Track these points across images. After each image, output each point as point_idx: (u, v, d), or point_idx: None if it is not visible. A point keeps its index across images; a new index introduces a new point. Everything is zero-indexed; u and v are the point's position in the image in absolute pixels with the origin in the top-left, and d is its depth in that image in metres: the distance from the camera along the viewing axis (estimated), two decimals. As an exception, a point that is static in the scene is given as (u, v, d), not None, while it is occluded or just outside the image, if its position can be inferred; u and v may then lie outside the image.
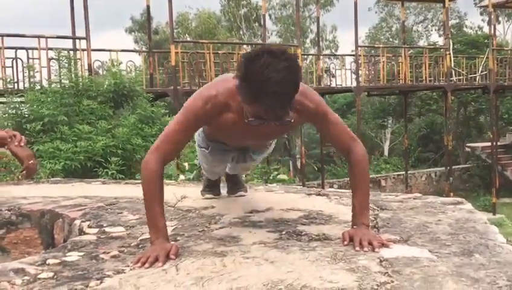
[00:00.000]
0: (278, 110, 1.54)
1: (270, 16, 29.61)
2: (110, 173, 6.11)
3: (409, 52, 14.70)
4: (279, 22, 30.33)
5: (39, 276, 1.47)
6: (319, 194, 2.77)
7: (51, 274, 1.48)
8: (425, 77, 13.10)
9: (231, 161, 2.44)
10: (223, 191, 2.80)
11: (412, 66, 13.11)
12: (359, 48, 11.77)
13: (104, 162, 6.28)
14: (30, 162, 2.09)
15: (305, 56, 21.24)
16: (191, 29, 29.81)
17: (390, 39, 30.40)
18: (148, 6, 11.26)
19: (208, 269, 1.47)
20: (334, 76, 16.02)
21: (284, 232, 1.85)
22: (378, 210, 2.23)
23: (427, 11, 30.19)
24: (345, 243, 1.65)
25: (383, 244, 1.60)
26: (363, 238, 1.62)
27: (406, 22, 23.23)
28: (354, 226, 1.74)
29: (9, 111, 6.69)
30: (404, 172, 15.56)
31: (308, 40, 29.34)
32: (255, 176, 5.86)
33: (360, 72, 11.75)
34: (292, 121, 1.63)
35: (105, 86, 7.50)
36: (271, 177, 5.87)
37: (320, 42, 28.37)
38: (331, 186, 14.14)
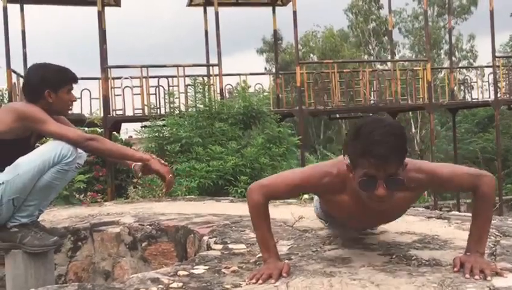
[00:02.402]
0: (385, 161, 1.57)
1: (400, 29, 28.77)
2: (239, 190, 6.48)
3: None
4: (410, 35, 29.28)
5: (171, 285, 1.70)
6: (440, 218, 2.71)
7: (180, 284, 1.71)
8: None
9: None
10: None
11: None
12: (497, 59, 10.92)
13: (233, 180, 6.67)
14: (170, 176, 2.42)
15: (438, 70, 20.21)
16: (316, 48, 30.14)
17: (539, 44, 27.51)
18: (275, 31, 11.76)
19: (316, 287, 1.57)
20: (471, 89, 15.03)
21: (394, 256, 1.88)
22: (500, 236, 2.13)
23: None
24: (455, 269, 1.64)
25: (496, 273, 1.56)
26: (474, 266, 1.59)
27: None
28: (468, 253, 1.71)
29: (153, 134, 7.46)
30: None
31: (442, 52, 27.85)
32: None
33: (498, 84, 10.87)
34: (403, 179, 1.63)
35: (235, 108, 7.97)
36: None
37: (456, 53, 26.81)
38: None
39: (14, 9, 9.56)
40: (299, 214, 2.93)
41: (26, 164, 2.22)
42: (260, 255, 2.04)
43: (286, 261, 1.87)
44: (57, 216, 3.56)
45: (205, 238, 2.58)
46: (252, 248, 2.22)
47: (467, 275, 1.57)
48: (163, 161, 2.49)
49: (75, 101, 2.56)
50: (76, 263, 3.17)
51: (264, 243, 1.82)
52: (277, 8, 11.34)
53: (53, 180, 2.26)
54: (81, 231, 3.20)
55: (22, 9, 9.82)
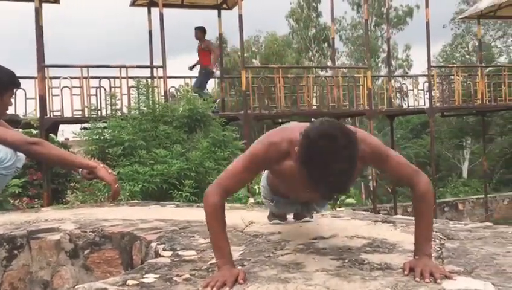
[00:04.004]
0: (335, 193, 1.66)
1: (340, 36, 29.60)
2: (184, 195, 6.37)
3: (486, 70, 14.09)
4: (349, 43, 30.19)
5: (120, 296, 1.63)
6: (385, 221, 2.78)
7: (130, 294, 1.64)
8: (505, 96, 12.47)
9: (295, 211, 2.55)
10: (289, 216, 2.88)
11: (490, 85, 12.54)
12: (432, 68, 11.47)
13: (178, 184, 6.56)
14: (116, 186, 2.35)
15: (376, 77, 20.96)
16: (259, 53, 30.41)
17: (467, 56, 29.22)
18: (220, 34, 11.71)
19: (272, 294, 1.55)
20: (406, 96, 15.68)
21: (346, 260, 1.90)
22: (444, 240, 2.21)
23: (507, 26, 28.76)
24: (406, 273, 1.67)
25: (446, 276, 1.61)
26: (424, 269, 1.63)
27: (484, 37, 22.31)
28: (416, 257, 1.75)
29: (94, 136, 7.19)
30: (483, 195, 14.77)
31: (380, 60, 28.92)
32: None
33: (433, 92, 11.42)
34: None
35: (180, 111, 7.86)
36: (339, 202, 5.85)
37: (392, 61, 27.92)
38: (405, 210, 13.70)
39: None
40: (249, 219, 2.91)
41: None
42: (212, 261, 2.00)
43: (240, 267, 1.84)
44: (-11, 223, 3.34)
45: (153, 245, 2.51)
46: (203, 255, 2.18)
47: (417, 279, 1.60)
48: (110, 170, 2.42)
49: (11, 104, 2.47)
50: (12, 272, 2.98)
51: (219, 248, 1.78)
52: (222, 11, 11.32)
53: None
54: (17, 239, 3.01)
55: (-50, 2, 9.22)
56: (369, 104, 10.41)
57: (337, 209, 4.25)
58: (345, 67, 19.81)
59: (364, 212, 3.44)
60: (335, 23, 14.81)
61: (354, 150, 1.60)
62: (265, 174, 2.40)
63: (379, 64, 28.87)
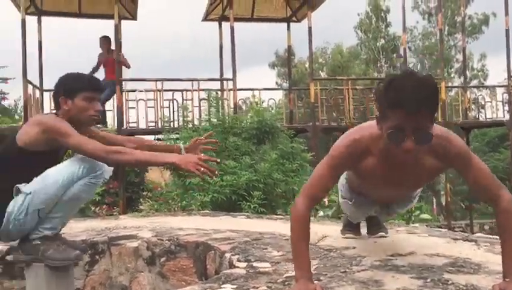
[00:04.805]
0: (415, 112, 1.56)
1: (409, 47, 28.85)
2: (252, 206, 6.43)
3: None
4: (419, 53, 29.34)
5: (199, 304, 1.66)
6: (467, 240, 2.65)
7: (209, 304, 1.66)
8: None
9: (374, 211, 2.49)
10: (363, 230, 2.82)
11: None
12: (512, 78, 10.85)
13: (247, 195, 6.63)
14: (201, 169, 2.19)
15: (449, 88, 20.15)
16: (326, 64, 30.27)
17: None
18: (289, 47, 11.78)
19: (352, 311, 1.52)
20: (483, 108, 14.92)
21: (428, 280, 1.83)
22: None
23: None
24: (496, 296, 1.58)
25: (540, 301, 1.50)
26: (516, 293, 1.54)
27: None
28: (506, 279, 1.65)
29: (166, 147, 7.44)
30: None
31: (453, 70, 27.84)
32: (395, 215, 5.70)
33: (513, 103, 10.79)
34: (433, 134, 1.63)
35: (248, 122, 7.96)
36: (413, 218, 5.64)
37: (467, 72, 26.79)
38: (481, 228, 13.00)
39: (32, 21, 9.70)
40: (321, 233, 2.88)
41: (54, 175, 2.20)
42: (288, 275, 2.00)
43: (316, 281, 1.82)
44: (73, 228, 3.53)
45: (227, 255, 2.54)
46: (278, 267, 2.18)
47: (509, 303, 1.51)
48: (193, 157, 2.23)
49: (98, 110, 2.42)
50: (94, 277, 3.13)
51: (300, 260, 1.76)
52: (291, 24, 11.38)
53: (80, 193, 2.23)
54: (99, 245, 3.17)
55: (39, 22, 9.93)
56: (443, 116, 10.03)
57: (411, 225, 4.11)
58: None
59: (441, 229, 3.30)
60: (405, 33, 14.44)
61: (433, 81, 1.64)
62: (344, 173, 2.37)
63: (452, 75, 27.81)
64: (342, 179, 2.39)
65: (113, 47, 8.73)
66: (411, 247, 2.43)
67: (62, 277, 2.34)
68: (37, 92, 9.21)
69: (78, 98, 2.32)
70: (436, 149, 1.75)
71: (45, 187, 2.18)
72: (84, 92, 2.34)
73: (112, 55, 8.62)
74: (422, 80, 1.59)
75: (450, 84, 22.11)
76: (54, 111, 2.39)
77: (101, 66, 8.89)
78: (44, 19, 10.03)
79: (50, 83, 9.23)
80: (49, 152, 2.27)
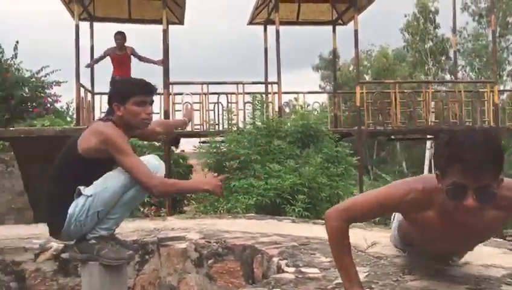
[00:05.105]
0: (476, 168, 1.46)
1: (459, 50, 27.99)
2: (297, 210, 6.40)
3: None
4: (468, 54, 28.42)
5: (251, 308, 1.67)
6: (525, 251, 2.54)
7: (260, 308, 1.67)
8: None
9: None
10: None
11: None
12: None
13: (291, 199, 6.60)
14: (219, 191, 2.49)
15: (502, 92, 19.43)
16: (371, 67, 29.82)
17: None
18: (334, 50, 11.69)
19: (406, 322, 1.49)
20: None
21: (486, 292, 1.77)
22: None
23: None
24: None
25: None
26: None
27: None
28: None
29: (211, 150, 7.54)
30: None
31: (504, 73, 26.81)
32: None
33: None
34: (496, 192, 1.51)
35: (290, 125, 7.94)
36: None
37: (520, 74, 25.71)
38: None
39: (84, 26, 10.05)
40: (370, 239, 2.84)
41: (114, 179, 2.28)
42: (337, 281, 1.98)
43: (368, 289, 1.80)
44: (123, 229, 3.61)
45: (275, 259, 2.54)
46: (327, 273, 2.16)
47: None
48: (215, 179, 2.50)
49: (150, 113, 2.47)
50: (144, 276, 3.21)
51: (346, 271, 1.74)
52: (337, 27, 11.29)
53: (137, 195, 2.31)
54: (149, 245, 3.24)
55: (91, 27, 10.29)
56: (495, 120, 9.67)
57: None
58: (470, 82, 18.60)
59: (497, 239, 3.18)
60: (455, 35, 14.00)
61: (496, 136, 1.56)
62: (395, 223, 2.28)
63: (504, 78, 26.78)
64: (394, 230, 2.31)
65: (128, 44, 8.44)
66: (465, 257, 2.35)
67: (115, 275, 2.42)
68: (89, 95, 9.52)
69: (129, 103, 2.38)
70: (499, 203, 1.61)
71: (105, 190, 2.27)
72: (135, 97, 2.39)
73: (125, 53, 8.34)
74: (484, 135, 1.52)
75: (502, 88, 21.31)
76: (110, 117, 2.45)
77: (110, 61, 8.45)
78: (96, 24, 10.38)
79: (101, 86, 9.56)
80: (107, 159, 2.34)
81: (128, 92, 2.40)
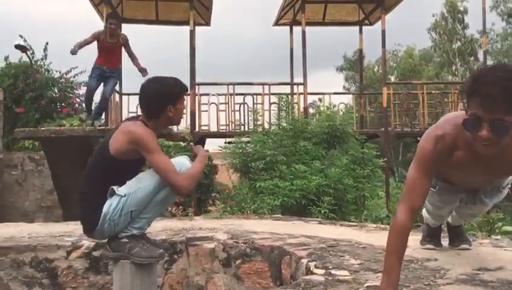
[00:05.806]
0: (492, 101, 1.53)
1: (487, 50, 27.43)
2: (322, 211, 6.37)
3: None
4: (497, 55, 27.81)
5: (282, 309, 1.67)
6: (560, 257, 2.48)
7: (291, 309, 1.67)
8: None
9: (459, 202, 2.39)
10: (444, 242, 2.72)
11: None
12: None
13: (317, 200, 6.58)
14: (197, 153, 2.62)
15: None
16: (398, 67, 29.47)
17: None
18: (360, 50, 11.59)
19: (441, 327, 1.47)
20: None
21: (522, 298, 1.73)
22: None
23: None
24: None
25: None
26: None
27: None
28: None
29: (237, 150, 7.56)
30: None
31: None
32: (475, 227, 5.42)
33: None
34: (509, 126, 1.56)
35: (316, 126, 7.90)
36: (496, 229, 5.33)
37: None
38: None
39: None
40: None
41: (147, 179, 2.32)
42: (368, 284, 1.97)
43: (400, 293, 1.78)
44: (152, 228, 3.65)
45: (303, 261, 2.54)
46: (357, 276, 2.15)
47: None
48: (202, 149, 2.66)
49: (185, 108, 2.62)
50: (172, 275, 3.24)
51: (389, 270, 1.72)
52: (363, 27, 11.20)
53: (169, 196, 2.35)
54: (178, 245, 3.28)
55: (120, 28, 10.44)
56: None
57: (493, 237, 3.90)
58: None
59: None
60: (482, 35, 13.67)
61: None
62: None
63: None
64: None
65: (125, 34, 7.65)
66: (499, 262, 2.31)
67: (146, 273, 2.45)
68: (117, 96, 9.66)
69: (178, 103, 2.46)
70: None
71: (139, 190, 2.31)
72: (183, 96, 2.51)
73: (117, 41, 7.42)
74: (505, 72, 1.55)
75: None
76: (140, 118, 2.48)
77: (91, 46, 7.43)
78: (124, 25, 10.53)
79: (129, 86, 9.69)
80: (138, 159, 2.38)
81: (179, 93, 2.48)
